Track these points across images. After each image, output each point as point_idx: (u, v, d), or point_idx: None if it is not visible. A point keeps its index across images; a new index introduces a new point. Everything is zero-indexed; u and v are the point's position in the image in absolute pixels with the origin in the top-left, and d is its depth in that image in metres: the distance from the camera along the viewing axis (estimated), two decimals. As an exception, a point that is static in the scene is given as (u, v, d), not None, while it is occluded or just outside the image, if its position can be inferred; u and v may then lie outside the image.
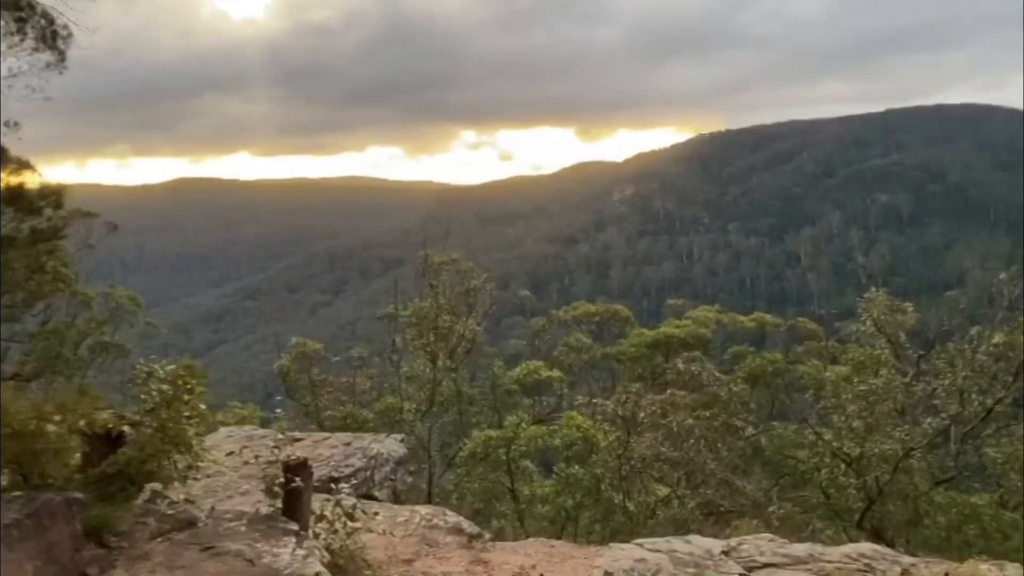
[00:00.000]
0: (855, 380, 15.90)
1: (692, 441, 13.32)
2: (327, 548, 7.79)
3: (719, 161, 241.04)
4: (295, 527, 7.72)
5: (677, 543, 8.76)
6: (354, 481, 11.76)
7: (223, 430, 15.59)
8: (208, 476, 8.83)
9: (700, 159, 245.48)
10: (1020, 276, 16.89)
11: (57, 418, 7.44)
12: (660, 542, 8.74)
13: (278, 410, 24.32)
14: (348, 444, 13.10)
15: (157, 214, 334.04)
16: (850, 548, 8.82)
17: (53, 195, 17.81)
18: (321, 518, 8.18)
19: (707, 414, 14.12)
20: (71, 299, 27.11)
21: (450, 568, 8.80)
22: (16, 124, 13.99)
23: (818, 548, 8.74)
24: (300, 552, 7.19)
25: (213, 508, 8.01)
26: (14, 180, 16.49)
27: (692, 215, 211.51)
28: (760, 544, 8.74)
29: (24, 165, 16.59)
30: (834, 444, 14.39)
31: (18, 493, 6.94)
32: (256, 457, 8.66)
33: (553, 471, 18.60)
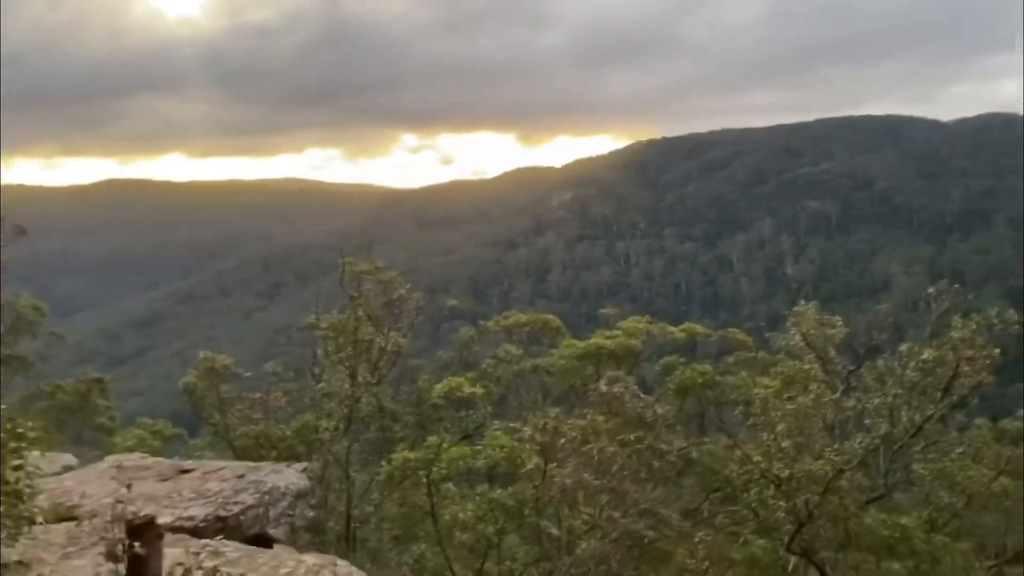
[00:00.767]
0: (784, 396, 15.44)
1: (615, 469, 12.56)
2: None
3: (656, 168, 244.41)
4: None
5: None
6: (243, 519, 10.62)
7: (109, 459, 14.20)
8: (50, 528, 7.59)
9: (637, 166, 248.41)
10: (948, 289, 16.70)
11: None
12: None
13: (184, 432, 22.84)
14: (241, 477, 11.89)
15: (86, 216, 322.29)
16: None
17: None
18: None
19: (631, 438, 13.42)
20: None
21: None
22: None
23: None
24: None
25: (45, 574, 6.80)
26: None
27: (629, 221, 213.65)
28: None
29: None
30: (762, 465, 13.86)
31: None
32: (92, 518, 7.46)
33: (476, 494, 17.71)
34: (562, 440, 12.97)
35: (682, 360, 23.85)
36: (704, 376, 21.36)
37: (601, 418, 13.12)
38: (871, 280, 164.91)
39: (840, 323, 16.28)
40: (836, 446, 14.41)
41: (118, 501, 7.45)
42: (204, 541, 9.69)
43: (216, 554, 8.83)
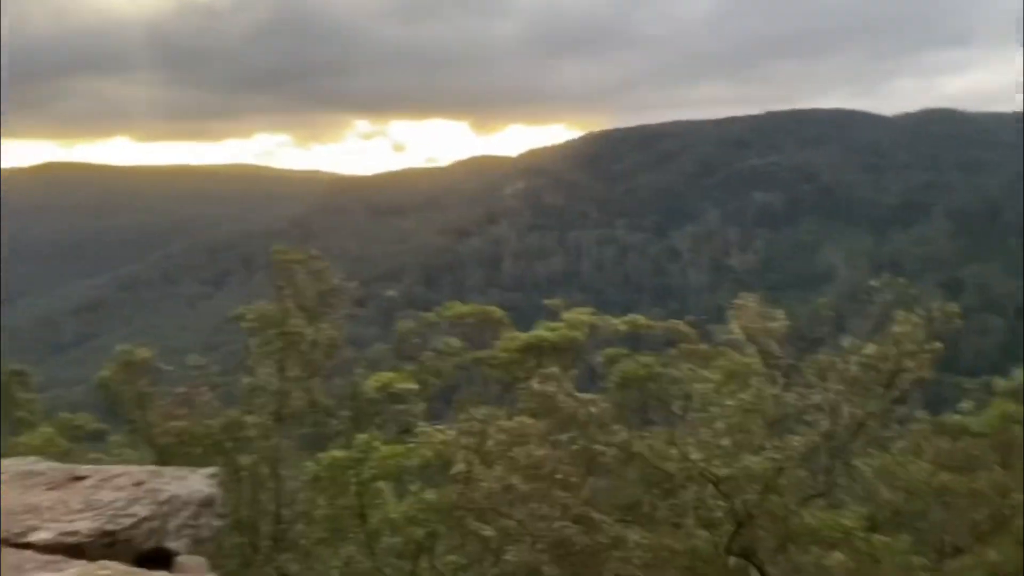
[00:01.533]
0: (724, 391, 15.00)
1: (546, 472, 11.93)
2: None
3: (607, 159, 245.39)
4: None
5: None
6: (135, 533, 9.68)
7: (4, 462, 13.09)
8: None
9: (589, 156, 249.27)
10: (891, 281, 16.49)
11: None
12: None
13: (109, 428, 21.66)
14: (139, 484, 10.80)
15: (24, 200, 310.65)
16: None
17: None
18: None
19: (564, 438, 12.81)
20: None
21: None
22: None
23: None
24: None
25: None
26: None
27: (581, 211, 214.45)
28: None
29: None
30: (701, 464, 13.41)
31: None
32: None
33: (409, 493, 16.96)
34: (490, 442, 12.30)
35: (624, 352, 23.32)
36: (646, 368, 20.84)
37: (531, 420, 12.47)
38: (815, 270, 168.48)
39: (782, 316, 15.89)
40: (776, 443, 14.06)
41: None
42: (100, 564, 8.75)
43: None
